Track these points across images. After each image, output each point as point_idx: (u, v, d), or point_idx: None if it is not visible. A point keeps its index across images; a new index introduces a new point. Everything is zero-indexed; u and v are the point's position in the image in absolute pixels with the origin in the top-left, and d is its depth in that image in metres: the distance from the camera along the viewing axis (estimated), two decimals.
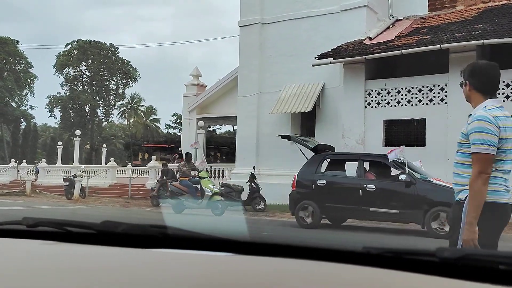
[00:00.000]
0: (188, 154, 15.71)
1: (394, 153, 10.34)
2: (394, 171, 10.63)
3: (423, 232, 9.80)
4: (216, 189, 13.97)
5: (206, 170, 14.80)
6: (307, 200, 10.80)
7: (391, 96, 14.92)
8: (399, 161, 10.28)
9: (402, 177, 9.92)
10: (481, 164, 2.84)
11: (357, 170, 10.58)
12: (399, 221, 10.68)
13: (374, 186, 10.24)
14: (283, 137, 13.32)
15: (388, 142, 14.87)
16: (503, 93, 13.01)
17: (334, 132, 16.32)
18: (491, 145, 2.83)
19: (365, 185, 10.22)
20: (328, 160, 11.49)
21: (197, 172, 14.92)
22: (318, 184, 10.72)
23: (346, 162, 11.73)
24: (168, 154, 33.63)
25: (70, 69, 52.66)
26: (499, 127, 2.85)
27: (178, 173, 15.25)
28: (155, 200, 16.89)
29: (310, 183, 10.86)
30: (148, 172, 23.00)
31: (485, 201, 2.83)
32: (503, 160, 2.90)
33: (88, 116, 53.99)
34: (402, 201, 9.92)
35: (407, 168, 10.04)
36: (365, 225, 11.38)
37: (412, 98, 14.57)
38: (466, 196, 2.90)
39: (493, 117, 2.86)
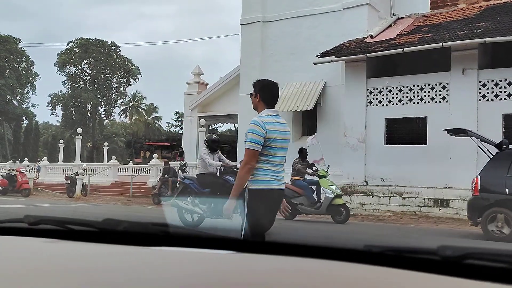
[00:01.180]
0: (303, 150, 12.85)
1: None
2: None
3: None
4: (339, 191, 11.58)
5: (326, 170, 12.10)
6: (500, 207, 8.79)
7: (393, 94, 14.89)
8: None
9: None
10: (247, 157, 3.67)
11: None
12: None
13: None
14: (456, 131, 10.52)
15: (390, 140, 14.86)
16: (505, 91, 12.97)
17: (335, 131, 16.32)
18: (257, 143, 3.64)
19: None
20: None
21: (313, 171, 12.37)
22: None
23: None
24: (170, 152, 33.61)
25: (71, 67, 52.78)
26: (266, 129, 3.65)
27: (292, 171, 12.40)
28: (156, 198, 16.92)
29: (503, 187, 8.79)
30: (149, 170, 22.99)
31: (257, 188, 3.68)
32: (271, 155, 3.70)
33: (89, 114, 54.09)
34: None
35: None
36: None
37: (414, 96, 14.54)
38: (247, 185, 3.74)
39: (262, 122, 3.67)
